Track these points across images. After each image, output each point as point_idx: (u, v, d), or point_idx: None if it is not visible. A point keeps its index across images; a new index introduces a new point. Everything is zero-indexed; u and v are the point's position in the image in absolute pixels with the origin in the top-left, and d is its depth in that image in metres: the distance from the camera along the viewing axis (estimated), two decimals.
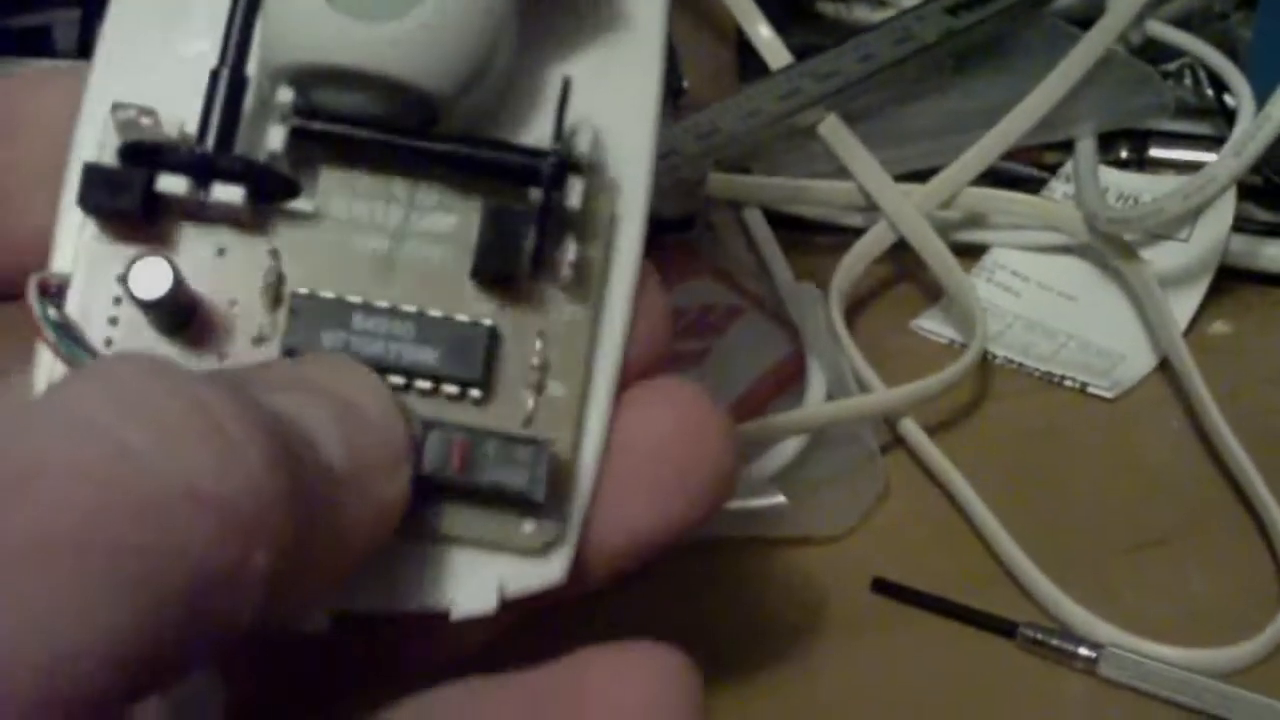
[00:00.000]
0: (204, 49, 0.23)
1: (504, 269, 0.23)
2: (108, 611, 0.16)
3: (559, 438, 0.23)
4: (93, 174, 0.22)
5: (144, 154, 0.22)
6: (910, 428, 0.43)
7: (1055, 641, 0.38)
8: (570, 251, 0.23)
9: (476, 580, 0.23)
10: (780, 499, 0.40)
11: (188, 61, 0.23)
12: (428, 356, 0.23)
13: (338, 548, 0.20)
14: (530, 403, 0.23)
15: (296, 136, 0.23)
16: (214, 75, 0.23)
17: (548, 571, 0.23)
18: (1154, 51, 0.51)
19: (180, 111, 0.23)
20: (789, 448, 0.40)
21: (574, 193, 0.23)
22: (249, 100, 0.23)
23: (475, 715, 0.22)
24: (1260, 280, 0.48)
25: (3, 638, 0.16)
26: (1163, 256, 0.47)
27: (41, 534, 0.16)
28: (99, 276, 0.23)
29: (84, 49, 0.48)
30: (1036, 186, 0.50)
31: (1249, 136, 0.43)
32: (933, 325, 0.47)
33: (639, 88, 0.25)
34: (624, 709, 0.21)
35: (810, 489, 0.40)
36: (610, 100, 0.24)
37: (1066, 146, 0.50)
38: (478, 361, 0.23)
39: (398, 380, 0.23)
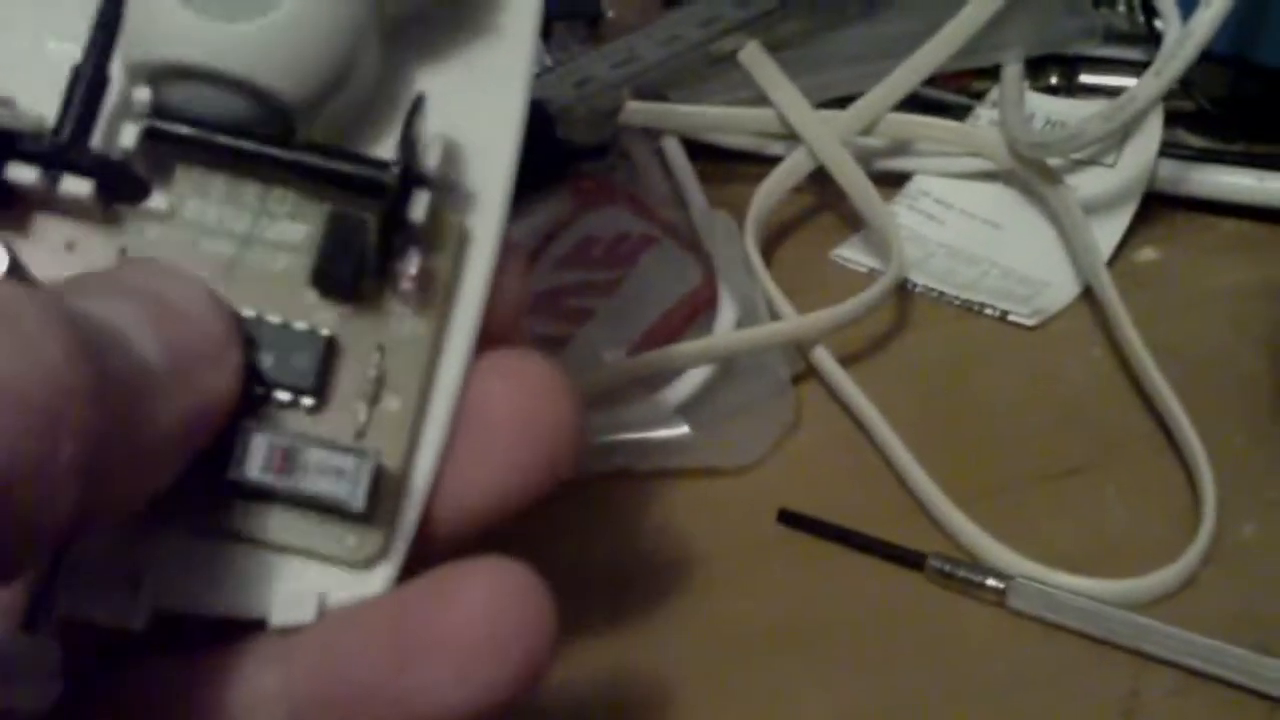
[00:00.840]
0: (73, 51, 0.24)
1: (341, 274, 0.23)
2: None
3: (390, 451, 0.23)
4: None
5: None
6: (824, 357, 0.42)
7: (963, 573, 0.37)
8: (413, 264, 0.23)
9: (297, 589, 0.23)
10: (684, 429, 0.39)
11: (55, 62, 0.24)
12: (262, 361, 0.23)
13: (162, 439, 0.20)
14: (364, 415, 0.23)
15: (150, 137, 0.23)
16: (75, 71, 0.23)
17: (370, 584, 0.23)
18: None
19: (42, 108, 0.23)
20: (696, 377, 0.40)
21: (419, 206, 0.23)
22: (112, 100, 0.23)
23: (339, 645, 0.23)
24: (1189, 206, 0.47)
25: None
26: (1089, 182, 0.46)
27: None
28: None
29: None
30: (965, 114, 0.49)
31: (1171, 55, 0.42)
32: (853, 254, 0.46)
33: (503, 104, 0.25)
34: (475, 621, 0.22)
35: (718, 420, 0.39)
36: (473, 116, 0.25)
37: (996, 74, 0.49)
38: (311, 370, 0.23)
39: None
